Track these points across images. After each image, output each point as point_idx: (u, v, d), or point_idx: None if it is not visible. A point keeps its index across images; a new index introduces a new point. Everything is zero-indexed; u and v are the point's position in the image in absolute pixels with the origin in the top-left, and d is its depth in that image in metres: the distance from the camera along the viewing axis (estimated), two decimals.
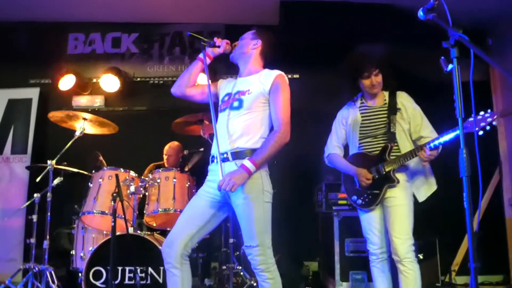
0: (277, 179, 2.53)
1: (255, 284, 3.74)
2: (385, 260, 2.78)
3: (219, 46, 2.50)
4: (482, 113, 2.37)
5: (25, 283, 3.41)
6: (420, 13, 1.75)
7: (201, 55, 2.54)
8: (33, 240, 3.54)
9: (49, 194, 3.57)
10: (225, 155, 2.33)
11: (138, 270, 3.10)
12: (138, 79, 5.42)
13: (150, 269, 3.14)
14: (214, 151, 2.39)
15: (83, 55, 5.49)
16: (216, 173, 2.33)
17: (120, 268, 3.14)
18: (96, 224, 3.58)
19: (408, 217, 2.68)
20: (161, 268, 3.13)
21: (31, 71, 5.38)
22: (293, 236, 4.44)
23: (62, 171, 3.67)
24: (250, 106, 2.37)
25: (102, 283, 3.13)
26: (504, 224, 4.64)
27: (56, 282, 3.40)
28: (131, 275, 3.13)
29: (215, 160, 2.38)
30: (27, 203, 3.88)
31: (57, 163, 3.58)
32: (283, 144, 2.29)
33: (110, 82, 5.17)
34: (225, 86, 2.59)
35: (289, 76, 2.54)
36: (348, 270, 3.62)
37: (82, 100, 5.33)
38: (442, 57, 1.69)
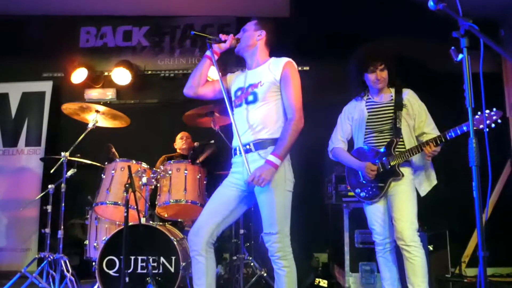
0: None
1: (265, 274, 3.79)
2: (391, 250, 2.82)
3: (225, 41, 2.53)
4: (487, 111, 2.41)
5: (41, 272, 3.48)
6: (431, 3, 1.74)
7: (208, 53, 2.57)
8: (48, 230, 3.60)
9: (63, 185, 3.63)
10: (247, 146, 2.41)
11: (151, 260, 3.15)
12: (149, 72, 5.46)
13: (162, 259, 3.20)
14: (235, 143, 2.46)
15: (95, 49, 5.55)
16: (239, 164, 2.43)
17: (132, 258, 3.20)
18: (109, 214, 3.63)
19: (412, 203, 2.73)
20: (173, 258, 3.19)
21: (44, 64, 5.46)
22: (303, 227, 4.41)
23: (75, 163, 3.72)
24: (264, 97, 2.41)
25: (115, 272, 3.20)
26: None
27: (70, 270, 3.46)
28: (144, 264, 3.19)
29: (237, 153, 2.46)
30: (41, 194, 3.95)
31: (70, 155, 3.63)
32: (300, 130, 2.36)
33: (121, 75, 5.23)
34: (236, 81, 2.62)
35: (299, 68, 2.55)
36: (357, 261, 3.64)
37: (94, 93, 5.40)
38: (453, 47, 1.69)
